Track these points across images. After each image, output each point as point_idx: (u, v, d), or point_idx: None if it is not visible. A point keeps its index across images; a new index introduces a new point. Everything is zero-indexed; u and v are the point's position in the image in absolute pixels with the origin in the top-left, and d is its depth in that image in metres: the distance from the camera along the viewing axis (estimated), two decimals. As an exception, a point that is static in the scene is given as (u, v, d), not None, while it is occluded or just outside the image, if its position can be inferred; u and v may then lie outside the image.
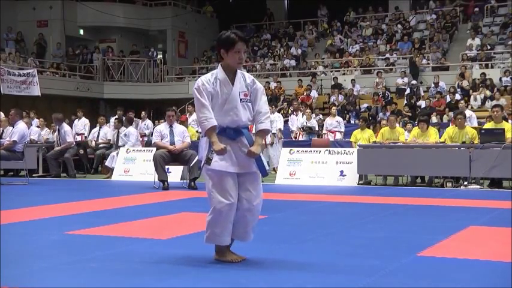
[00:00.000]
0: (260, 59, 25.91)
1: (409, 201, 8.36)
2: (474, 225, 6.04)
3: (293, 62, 25.18)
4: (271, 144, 14.98)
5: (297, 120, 16.62)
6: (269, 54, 26.29)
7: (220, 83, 4.21)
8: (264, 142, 4.46)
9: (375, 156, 11.10)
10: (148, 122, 17.17)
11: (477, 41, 22.20)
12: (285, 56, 25.56)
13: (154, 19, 27.76)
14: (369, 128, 13.98)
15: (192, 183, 10.30)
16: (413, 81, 20.47)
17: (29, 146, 12.38)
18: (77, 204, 8.16)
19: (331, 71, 23.52)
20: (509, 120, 12.57)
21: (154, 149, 11.07)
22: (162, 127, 10.81)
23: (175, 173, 11.46)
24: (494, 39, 22.68)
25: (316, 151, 11.72)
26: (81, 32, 27.21)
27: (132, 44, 27.59)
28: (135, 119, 16.71)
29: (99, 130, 15.16)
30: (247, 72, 24.34)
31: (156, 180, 10.37)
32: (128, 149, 12.93)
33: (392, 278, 3.91)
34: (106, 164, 13.39)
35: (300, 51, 25.71)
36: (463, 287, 3.68)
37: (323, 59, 24.79)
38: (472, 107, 17.65)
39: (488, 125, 11.42)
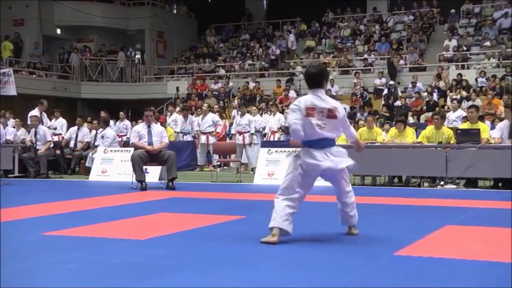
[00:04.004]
0: (239, 60, 25.91)
1: (387, 201, 8.42)
2: (450, 224, 6.09)
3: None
4: (250, 144, 14.99)
5: (269, 121, 16.52)
6: (248, 54, 26.30)
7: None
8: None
9: (353, 156, 11.11)
10: (127, 122, 17.11)
11: (454, 42, 22.42)
12: (263, 56, 25.58)
13: (133, 19, 27.60)
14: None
15: (170, 183, 10.26)
16: (391, 82, 20.60)
17: (5, 147, 12.25)
18: (54, 204, 8.08)
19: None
20: (486, 121, 12.74)
21: (132, 149, 11.01)
22: (140, 127, 10.77)
23: (153, 173, 11.41)
24: (470, 41, 22.94)
25: (294, 151, 11.74)
26: (58, 31, 26.95)
27: (111, 43, 27.41)
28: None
29: (77, 131, 15.10)
30: (226, 72, 24.37)
31: (134, 180, 10.32)
32: (105, 149, 12.85)
33: (369, 276, 3.94)
34: (86, 164, 13.32)
35: (278, 51, 25.76)
36: (439, 286, 3.71)
37: (301, 59, 24.85)
38: (448, 108, 17.81)
39: (464, 126, 11.54)
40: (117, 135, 15.22)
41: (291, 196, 5.04)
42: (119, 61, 26.22)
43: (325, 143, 5.14)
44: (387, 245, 4.91)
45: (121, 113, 17.39)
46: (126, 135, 15.84)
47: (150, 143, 10.40)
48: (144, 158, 10.30)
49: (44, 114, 14.98)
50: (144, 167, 10.50)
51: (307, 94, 5.28)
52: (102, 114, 16.13)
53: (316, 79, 5.25)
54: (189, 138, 15.91)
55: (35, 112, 14.54)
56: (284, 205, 5.00)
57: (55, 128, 15.59)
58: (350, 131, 5.61)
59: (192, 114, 17.14)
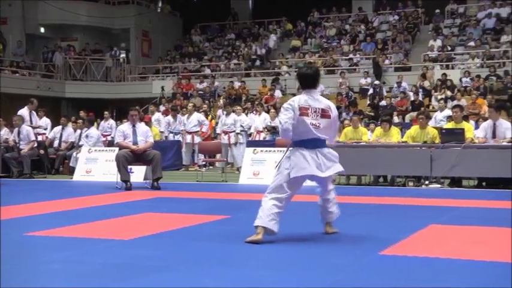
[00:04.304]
0: (225, 59, 25.86)
1: (372, 201, 8.44)
2: (435, 223, 6.11)
3: (257, 62, 25.18)
4: (235, 144, 14.96)
5: (255, 121, 16.50)
6: (233, 54, 26.25)
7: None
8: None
9: (338, 155, 11.14)
10: (112, 122, 17.01)
11: (438, 42, 22.54)
12: (250, 55, 25.52)
13: (117, 18, 27.44)
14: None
15: (155, 183, 10.20)
16: (376, 82, 20.66)
17: (-12, 146, 12.13)
18: (38, 205, 8.01)
19: (295, 71, 23.55)
20: (470, 121, 12.80)
21: (116, 149, 10.94)
22: (125, 127, 10.70)
23: (138, 173, 11.34)
24: (455, 41, 23.07)
25: (280, 151, 11.72)
26: (42, 30, 26.72)
27: (95, 42, 27.24)
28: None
29: (62, 131, 14.99)
30: (211, 71, 24.22)
31: (119, 180, 10.24)
32: (89, 148, 12.77)
33: (355, 276, 3.94)
34: (70, 164, 13.23)
35: (264, 50, 25.74)
36: (424, 285, 3.71)
37: (287, 58, 24.86)
38: (433, 107, 17.90)
39: (449, 125, 11.60)
40: (102, 134, 15.16)
41: (279, 196, 5.05)
42: (107, 60, 26.05)
43: (317, 143, 5.17)
44: (372, 245, 4.92)
45: (106, 112, 17.29)
46: (110, 134, 15.75)
47: (135, 143, 10.34)
48: (129, 157, 10.23)
49: (34, 114, 14.83)
50: (129, 166, 10.44)
51: (301, 94, 5.30)
52: (82, 113, 16.06)
53: (311, 79, 5.30)
54: (180, 137, 15.86)
55: (25, 111, 14.42)
56: (271, 204, 5.01)
57: (46, 128, 15.43)
58: (333, 135, 5.67)
59: (178, 114, 17.07)
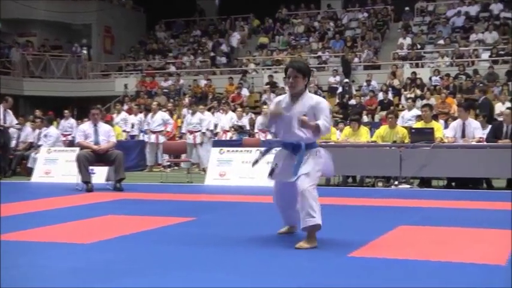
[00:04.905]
0: (190, 56, 25.50)
1: (340, 201, 8.32)
2: (404, 224, 6.09)
3: (224, 59, 24.88)
4: (201, 144, 14.69)
5: (221, 120, 16.25)
6: (199, 51, 25.89)
7: (284, 104, 5.01)
8: (310, 125, 4.91)
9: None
10: (72, 121, 16.53)
11: (408, 40, 22.52)
12: (215, 53, 25.22)
13: (79, 13, 26.84)
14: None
15: (118, 184, 9.95)
16: (346, 80, 20.56)
17: None
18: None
19: (263, 69, 23.37)
20: (439, 120, 12.75)
21: (77, 149, 10.68)
22: (86, 126, 10.43)
23: (99, 174, 10.99)
24: (424, 39, 23.11)
25: (247, 151, 11.49)
26: (-2, 24, 26.01)
27: (54, 38, 26.59)
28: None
29: (19, 131, 14.53)
30: (177, 69, 23.74)
31: (79, 181, 9.96)
32: (49, 149, 12.41)
33: (322, 279, 3.88)
34: (28, 165, 12.80)
35: (230, 48, 25.47)
36: (392, 286, 3.67)
37: (254, 56, 24.62)
38: (403, 106, 17.84)
39: (418, 125, 11.52)
40: (62, 134, 14.79)
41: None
42: (69, 59, 25.45)
43: None
44: (340, 247, 4.85)
45: (66, 111, 16.81)
46: (71, 134, 15.31)
47: (97, 143, 10.08)
48: (90, 158, 9.95)
49: (9, 112, 14.16)
50: (90, 167, 10.15)
51: (312, 93, 5.12)
52: (38, 112, 15.59)
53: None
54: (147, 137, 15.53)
55: None
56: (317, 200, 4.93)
57: (19, 129, 14.84)
58: None
59: (141, 113, 16.69)
